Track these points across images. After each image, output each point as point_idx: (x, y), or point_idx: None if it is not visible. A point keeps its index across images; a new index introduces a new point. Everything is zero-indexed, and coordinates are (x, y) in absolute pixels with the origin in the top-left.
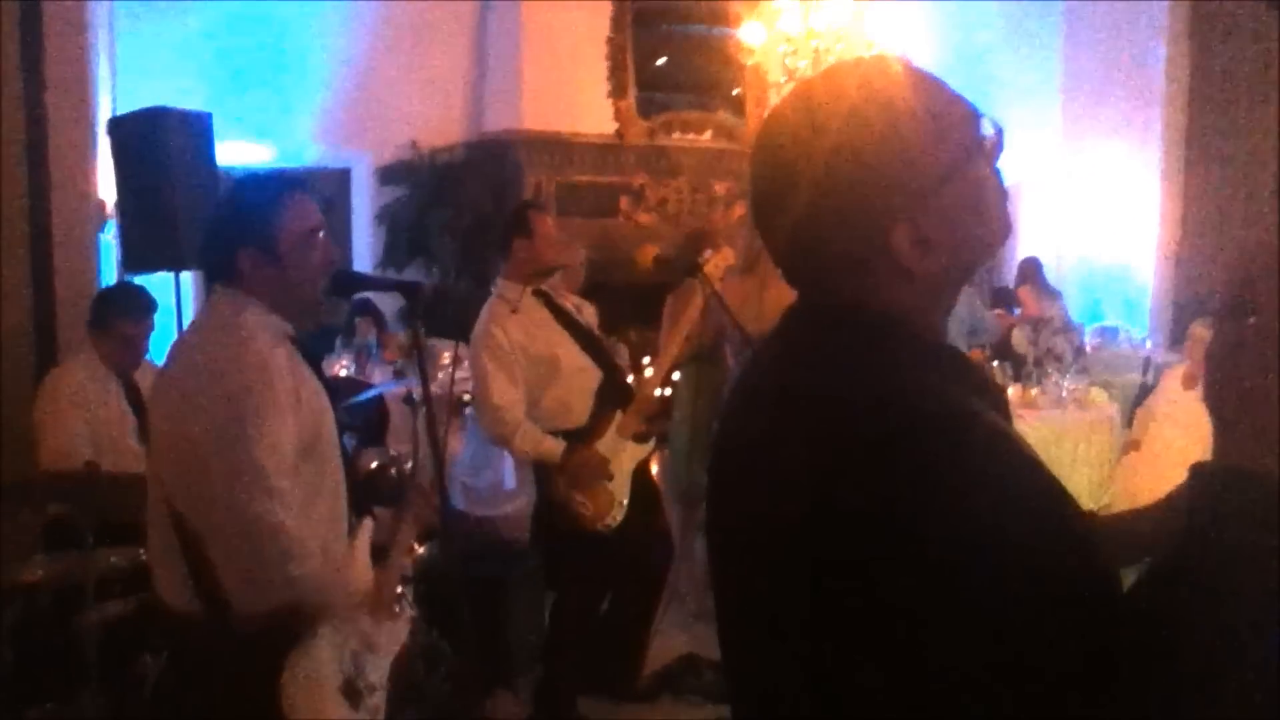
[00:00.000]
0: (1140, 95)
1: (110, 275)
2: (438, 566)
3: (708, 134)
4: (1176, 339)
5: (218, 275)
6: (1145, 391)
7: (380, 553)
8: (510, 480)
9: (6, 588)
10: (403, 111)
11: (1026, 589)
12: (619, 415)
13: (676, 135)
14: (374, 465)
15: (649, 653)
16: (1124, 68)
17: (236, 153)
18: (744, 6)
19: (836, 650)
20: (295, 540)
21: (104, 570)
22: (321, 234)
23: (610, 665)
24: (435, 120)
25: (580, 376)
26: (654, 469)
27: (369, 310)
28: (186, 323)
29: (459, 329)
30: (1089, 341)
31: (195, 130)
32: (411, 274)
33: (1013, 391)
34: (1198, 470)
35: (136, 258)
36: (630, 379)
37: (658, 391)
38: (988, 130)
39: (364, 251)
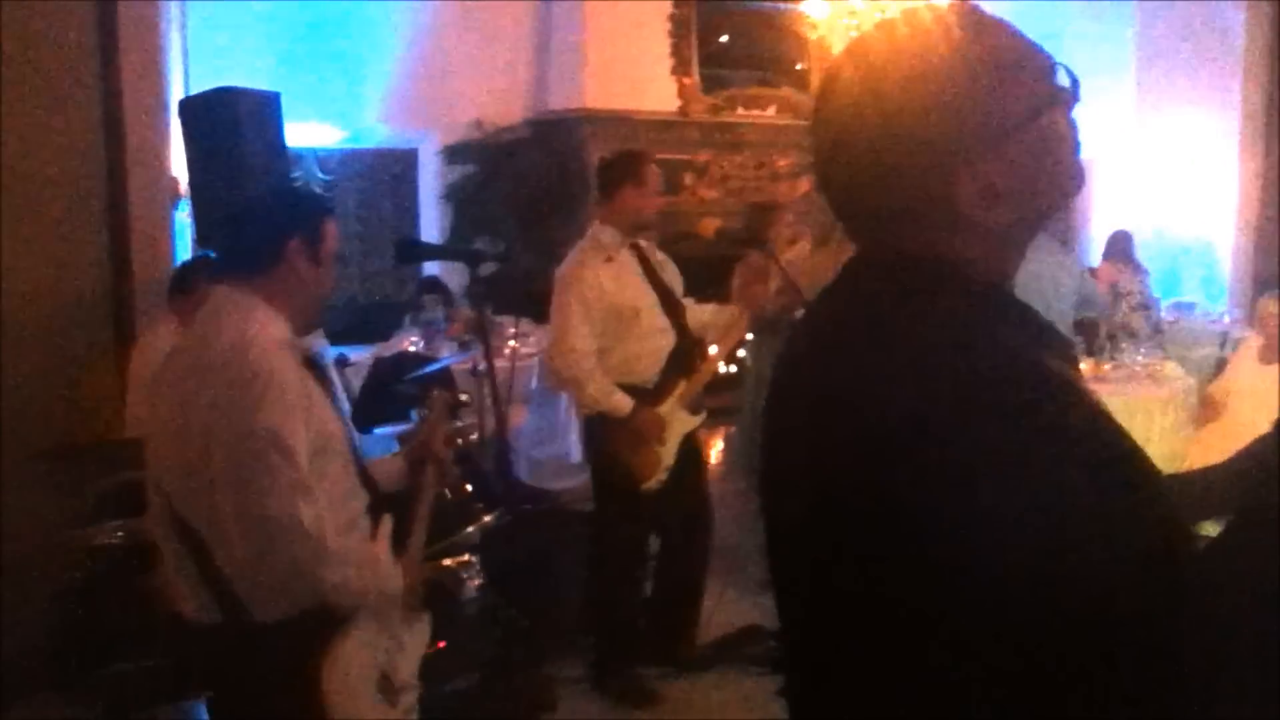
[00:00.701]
0: (1217, 62)
1: (184, 251)
2: (502, 534)
3: (771, 109)
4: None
5: (247, 261)
6: (1222, 366)
7: (399, 540)
8: (575, 454)
9: (81, 549)
10: (467, 91)
11: (1100, 540)
12: (684, 382)
13: (740, 111)
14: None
15: (713, 622)
16: (1200, 34)
17: (306, 133)
18: None
19: (901, 605)
20: (326, 541)
21: None
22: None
23: (665, 633)
24: (499, 99)
25: (657, 336)
26: (715, 443)
27: (436, 287)
28: None
29: (522, 305)
30: (1165, 316)
31: (264, 110)
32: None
33: (1085, 365)
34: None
35: (209, 235)
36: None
37: (721, 366)
38: (1063, 80)
39: (431, 230)
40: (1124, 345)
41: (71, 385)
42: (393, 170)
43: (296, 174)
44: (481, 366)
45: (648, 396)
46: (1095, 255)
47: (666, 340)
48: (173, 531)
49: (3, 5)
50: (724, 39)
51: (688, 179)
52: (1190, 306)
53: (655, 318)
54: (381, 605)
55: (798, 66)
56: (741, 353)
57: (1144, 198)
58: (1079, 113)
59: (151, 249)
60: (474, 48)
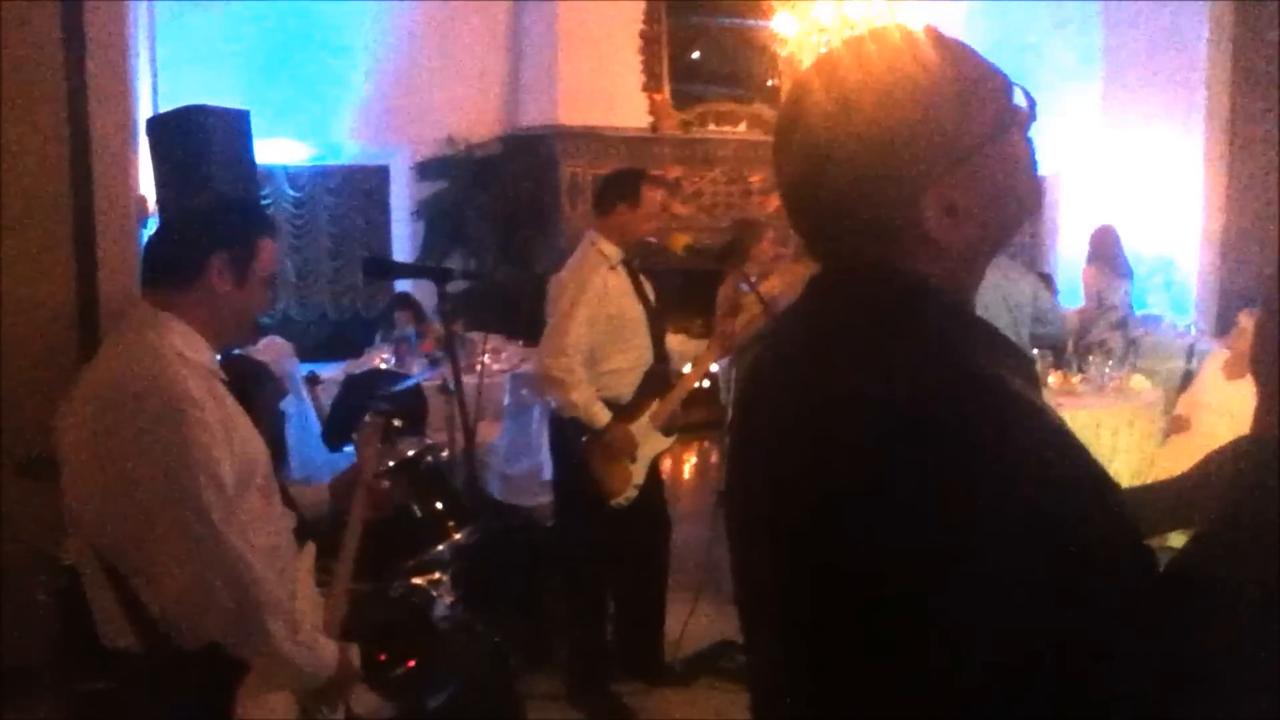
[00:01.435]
0: (1183, 78)
1: None
2: (473, 551)
3: (743, 125)
4: (1222, 327)
5: (166, 276)
6: (1189, 378)
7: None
8: (547, 470)
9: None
10: (439, 107)
11: (1056, 557)
12: (656, 402)
13: (711, 127)
14: (410, 453)
15: (686, 636)
16: (1165, 49)
17: (277, 150)
18: None
19: (857, 623)
20: (258, 576)
21: None
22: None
23: (634, 647)
24: (471, 115)
25: (639, 354)
26: (689, 457)
27: (408, 303)
28: None
29: (494, 321)
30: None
31: (234, 127)
32: (450, 266)
33: (1054, 379)
34: (1244, 444)
35: None
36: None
37: (696, 384)
38: (1020, 100)
39: (403, 245)
40: (1092, 359)
41: (38, 403)
42: (365, 186)
43: (267, 191)
44: (451, 384)
45: (622, 413)
46: (1063, 268)
47: (645, 360)
48: (95, 564)
49: None
50: (696, 55)
51: (660, 194)
52: (1157, 319)
53: (642, 335)
54: (302, 680)
55: (769, 83)
56: (714, 367)
57: (1110, 211)
58: (1042, 129)
59: (119, 267)
60: (446, 64)
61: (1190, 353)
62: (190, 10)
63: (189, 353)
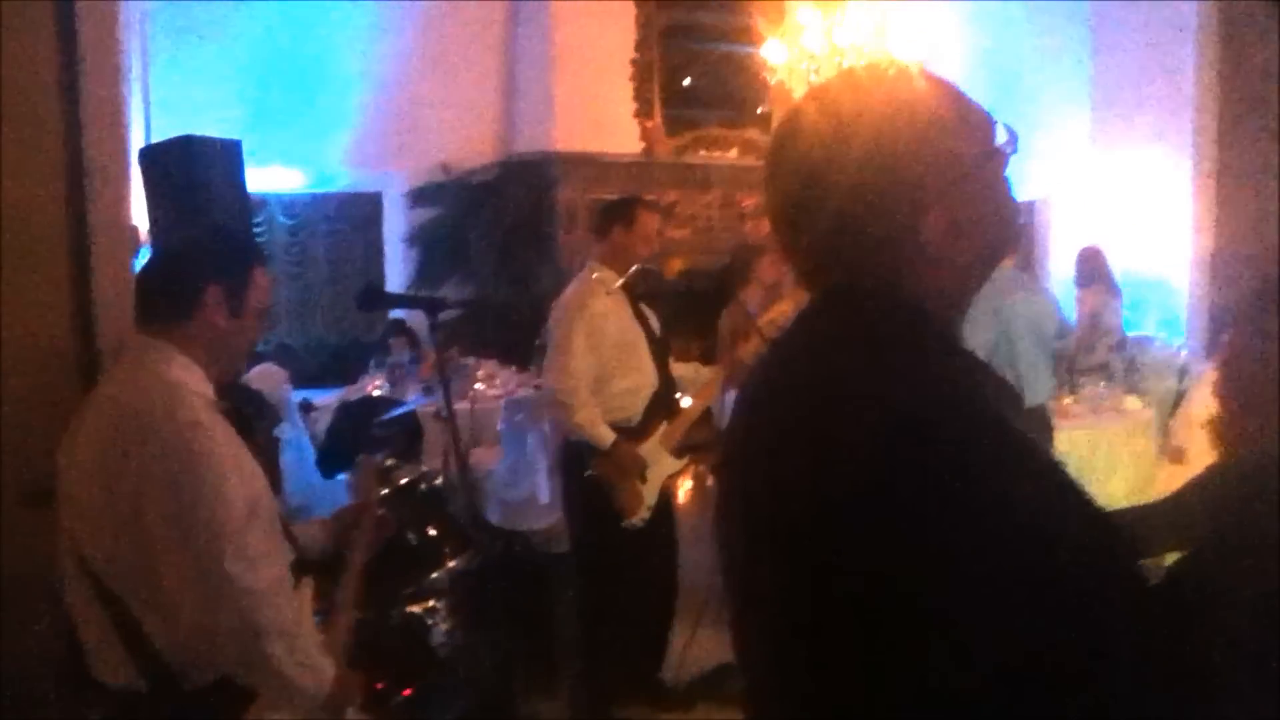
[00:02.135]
0: (1171, 101)
1: None
2: (472, 575)
3: (734, 151)
4: (1213, 347)
5: (163, 309)
6: (1180, 399)
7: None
8: (545, 494)
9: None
10: (433, 134)
11: (1043, 582)
12: (664, 425)
13: (704, 152)
14: (404, 481)
15: (689, 659)
16: (1155, 74)
17: (270, 179)
18: (767, 25)
19: (848, 644)
20: (269, 605)
21: None
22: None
23: (638, 670)
24: (465, 142)
25: (643, 377)
26: (684, 481)
27: (403, 330)
28: None
29: (490, 346)
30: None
31: (225, 158)
32: (446, 292)
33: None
34: (1221, 469)
35: None
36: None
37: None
38: (1001, 137)
39: (397, 272)
40: (1084, 381)
41: (34, 434)
42: (359, 214)
43: (260, 219)
44: (448, 409)
45: (630, 435)
46: (1053, 291)
47: (650, 382)
48: (94, 599)
49: None
50: (687, 81)
51: (655, 219)
52: (1149, 340)
53: (644, 358)
54: (302, 701)
55: (759, 109)
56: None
57: (1100, 234)
58: (1030, 154)
59: (113, 297)
60: (440, 92)
61: (1182, 373)
62: (182, 40)
63: (191, 384)
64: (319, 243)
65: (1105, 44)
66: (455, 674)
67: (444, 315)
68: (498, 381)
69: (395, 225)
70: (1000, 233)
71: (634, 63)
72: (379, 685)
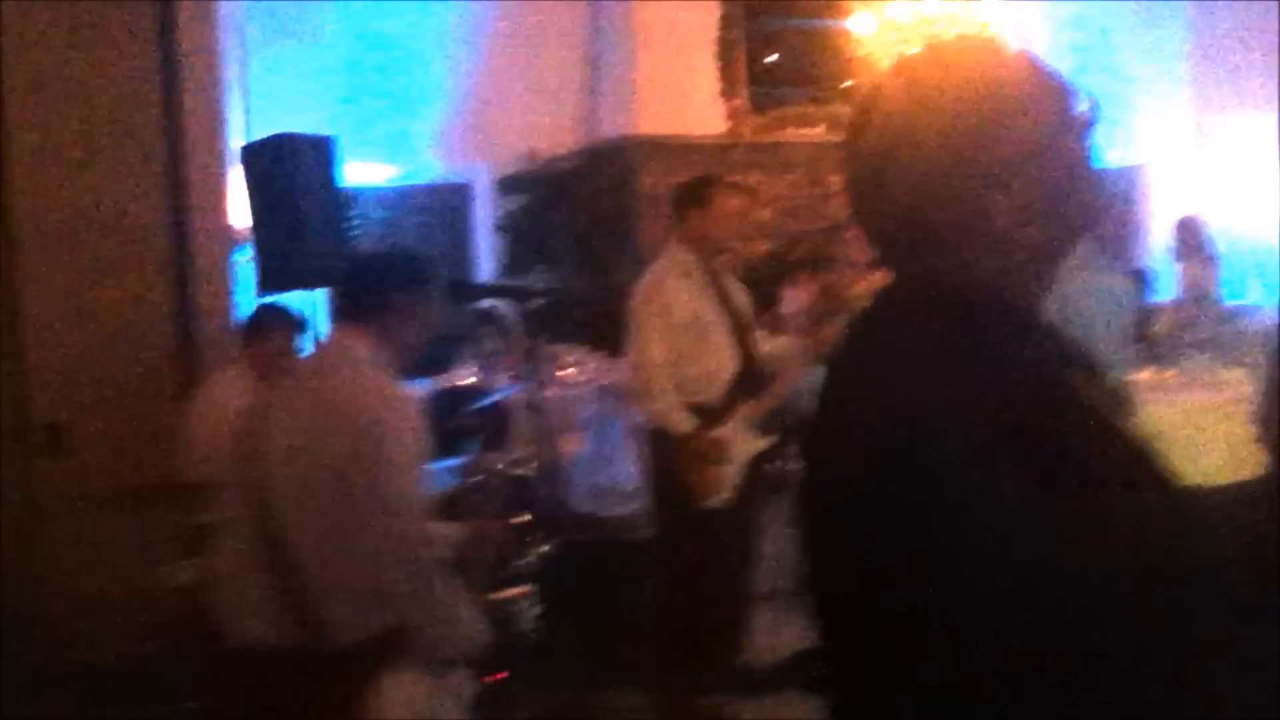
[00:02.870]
0: (1271, 60)
1: (247, 296)
2: (559, 563)
3: (820, 128)
4: None
5: (358, 310)
6: None
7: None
8: (631, 480)
9: (153, 590)
10: (519, 122)
11: (1108, 567)
12: (750, 403)
13: (790, 131)
14: (478, 478)
15: (776, 643)
16: (1253, 32)
17: (360, 172)
18: None
19: (935, 627)
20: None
21: None
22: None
23: (721, 657)
24: (551, 129)
25: (724, 357)
26: None
27: (491, 319)
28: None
29: (577, 333)
30: (1228, 321)
31: (320, 155)
32: (532, 281)
33: (1145, 374)
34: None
35: (269, 279)
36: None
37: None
38: (1082, 106)
39: (487, 262)
40: (1184, 351)
41: (139, 429)
42: (448, 205)
43: (353, 215)
44: (536, 397)
45: (711, 416)
46: (1154, 259)
47: (733, 362)
48: (265, 560)
49: (65, 51)
50: (772, 59)
51: (735, 200)
52: (1255, 309)
53: (724, 339)
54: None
55: (845, 83)
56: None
57: (1202, 199)
58: (1126, 121)
59: (214, 295)
60: (524, 79)
61: None
62: (278, 38)
63: (384, 377)
64: (410, 235)
65: (1202, 4)
66: (543, 660)
67: (532, 303)
68: (587, 368)
69: (485, 215)
70: (1077, 209)
71: (718, 41)
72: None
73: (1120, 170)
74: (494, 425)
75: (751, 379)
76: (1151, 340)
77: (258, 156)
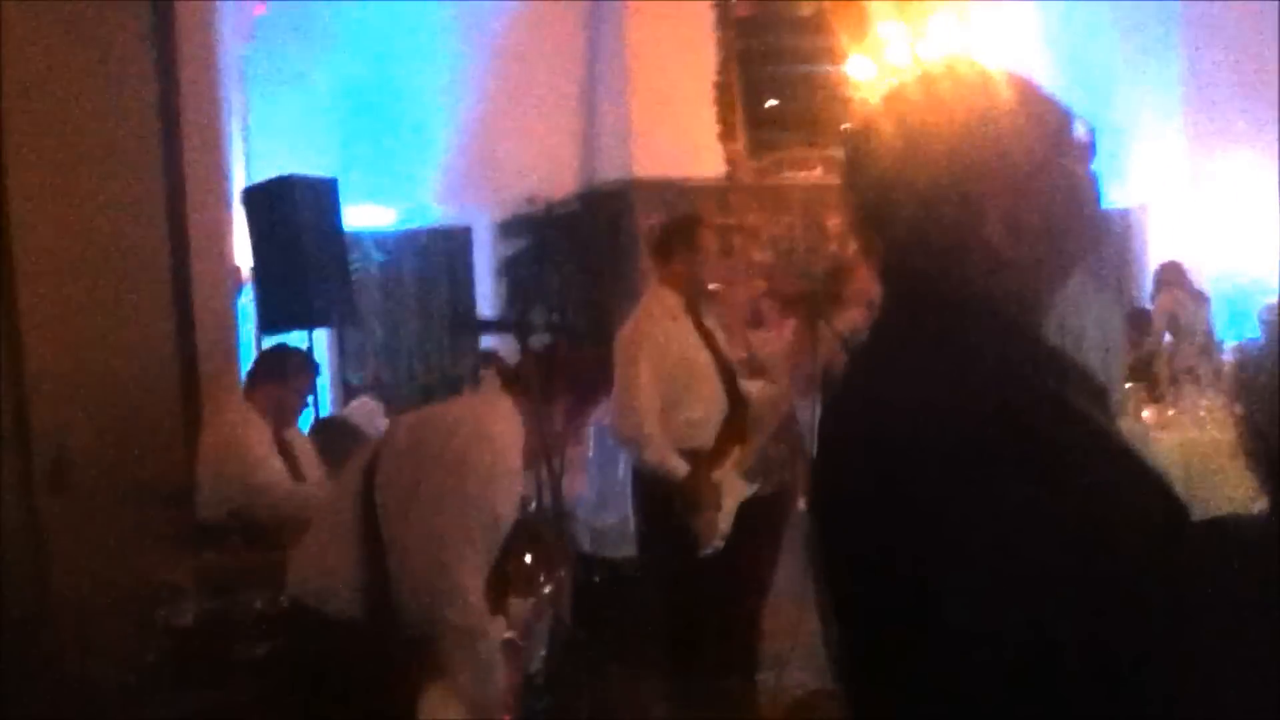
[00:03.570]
0: (1266, 98)
1: (248, 337)
2: (565, 602)
3: (818, 170)
4: None
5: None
6: None
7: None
8: (633, 521)
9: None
10: (519, 166)
11: (1107, 572)
12: (738, 450)
13: (787, 173)
14: None
15: (782, 684)
16: (1248, 70)
17: (361, 215)
18: (849, 41)
19: (951, 658)
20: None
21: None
22: None
23: (722, 704)
24: (550, 173)
25: (713, 402)
26: None
27: (492, 360)
28: None
29: (581, 374)
30: (1228, 357)
31: (322, 197)
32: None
33: (1148, 413)
34: None
35: (271, 319)
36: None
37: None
38: (1080, 131)
39: (487, 305)
40: (1186, 391)
41: (141, 468)
42: (448, 248)
43: (355, 257)
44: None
45: (703, 462)
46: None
47: (720, 407)
48: (359, 534)
49: (67, 91)
50: (771, 103)
51: (738, 242)
52: (1253, 343)
53: (712, 384)
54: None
55: (843, 126)
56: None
57: (1201, 240)
58: (1122, 162)
59: (217, 335)
60: (523, 124)
61: None
62: (278, 82)
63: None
64: (410, 278)
65: (1195, 43)
66: (550, 700)
67: (534, 341)
68: (587, 409)
69: (485, 259)
70: (1078, 231)
71: (716, 85)
72: None
73: (1118, 212)
74: None
75: (740, 422)
76: (1152, 381)
77: (259, 198)
